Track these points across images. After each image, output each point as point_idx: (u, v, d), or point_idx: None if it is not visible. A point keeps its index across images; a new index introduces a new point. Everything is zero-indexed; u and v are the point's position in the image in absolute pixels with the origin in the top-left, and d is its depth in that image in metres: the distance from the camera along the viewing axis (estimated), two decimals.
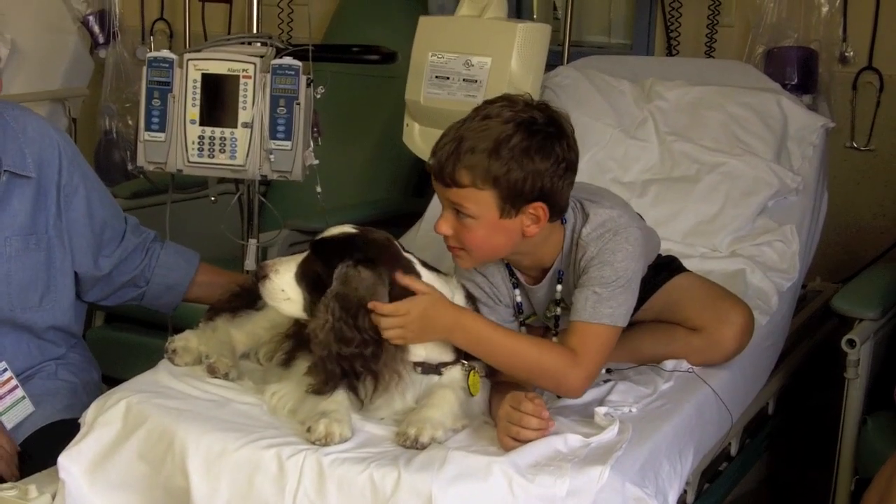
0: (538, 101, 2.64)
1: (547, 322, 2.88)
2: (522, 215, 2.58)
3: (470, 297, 2.71)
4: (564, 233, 2.72)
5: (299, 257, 2.56)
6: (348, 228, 2.57)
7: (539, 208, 2.59)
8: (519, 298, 2.81)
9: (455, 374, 2.60)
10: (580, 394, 2.62)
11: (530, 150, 2.53)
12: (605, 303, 2.62)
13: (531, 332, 2.86)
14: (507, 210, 2.56)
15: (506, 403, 2.47)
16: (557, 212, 2.64)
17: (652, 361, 2.93)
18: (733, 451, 3.30)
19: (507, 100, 2.62)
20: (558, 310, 2.82)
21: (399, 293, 2.52)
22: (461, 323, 2.57)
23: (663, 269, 3.00)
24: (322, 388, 2.49)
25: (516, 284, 2.80)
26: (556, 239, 2.72)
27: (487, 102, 2.64)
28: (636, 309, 2.75)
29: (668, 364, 2.91)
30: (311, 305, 2.54)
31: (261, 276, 2.57)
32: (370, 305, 2.48)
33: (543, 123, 2.57)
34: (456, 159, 2.54)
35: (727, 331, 2.97)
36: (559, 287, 2.78)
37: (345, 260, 2.49)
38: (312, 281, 2.53)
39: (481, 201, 2.55)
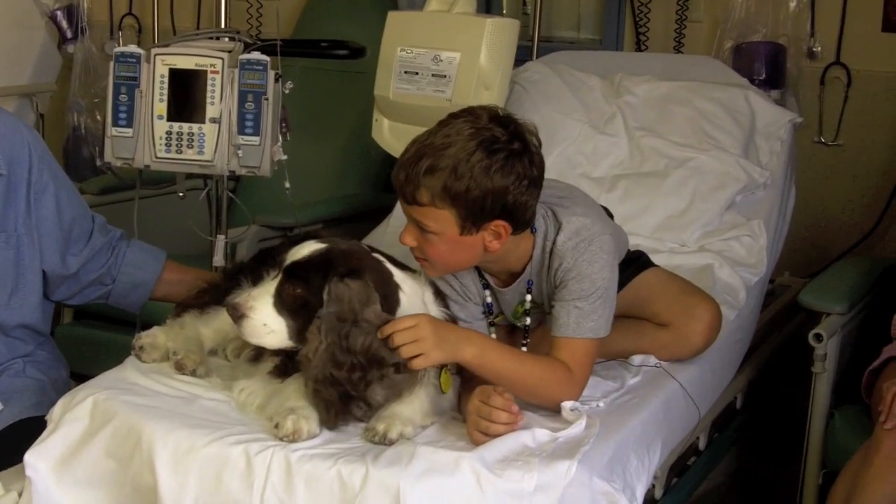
0: (504, 115, 2.62)
1: (514, 323, 2.88)
2: (484, 232, 2.59)
3: (438, 294, 2.71)
4: (535, 241, 2.73)
5: (270, 286, 2.50)
6: (315, 244, 2.53)
7: (500, 226, 2.59)
8: (489, 299, 2.82)
9: (427, 371, 2.59)
10: None
11: (490, 168, 2.52)
12: (587, 317, 2.63)
13: (498, 331, 2.86)
14: (468, 228, 2.56)
15: (475, 398, 2.47)
16: (522, 225, 2.64)
17: (620, 356, 2.94)
18: (702, 445, 3.31)
19: (470, 114, 2.60)
20: (528, 319, 2.83)
21: (382, 294, 2.51)
22: (468, 336, 2.58)
23: (631, 264, 3.01)
24: (330, 419, 2.46)
25: (486, 286, 2.81)
26: (525, 247, 2.73)
27: (451, 116, 2.62)
28: None
29: (636, 359, 2.93)
30: (296, 332, 2.49)
31: (237, 315, 2.50)
32: (378, 334, 2.45)
33: (506, 140, 2.55)
34: (416, 178, 2.53)
35: (695, 326, 2.98)
36: (528, 297, 2.79)
37: (328, 277, 2.46)
38: (296, 306, 2.48)
39: (441, 219, 2.55)
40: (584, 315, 2.63)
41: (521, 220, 2.61)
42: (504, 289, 2.80)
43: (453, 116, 2.62)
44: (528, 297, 2.79)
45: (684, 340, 2.98)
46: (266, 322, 2.49)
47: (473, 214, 2.54)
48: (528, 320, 2.83)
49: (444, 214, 2.54)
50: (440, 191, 2.52)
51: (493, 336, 2.82)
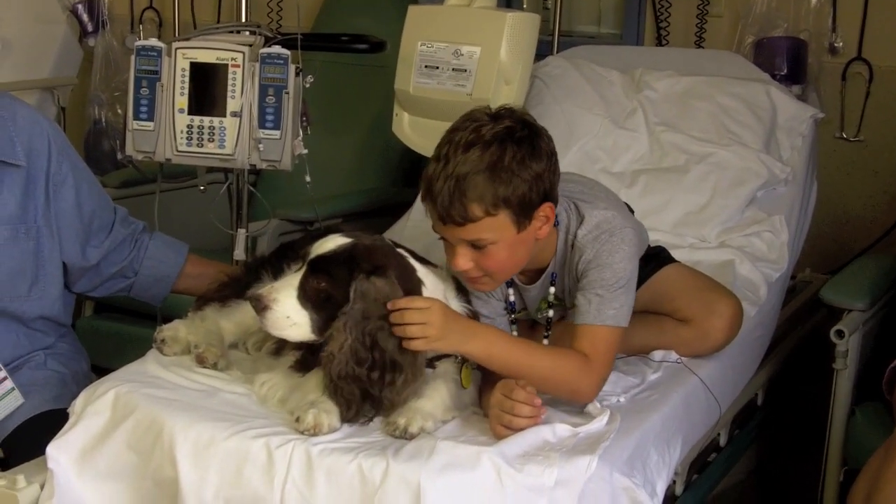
0: (497, 109, 2.61)
1: (536, 318, 2.88)
2: (535, 221, 2.58)
3: (461, 290, 2.70)
4: (558, 235, 2.73)
5: (294, 279, 2.50)
6: (341, 239, 2.52)
7: (547, 208, 2.59)
8: (512, 297, 2.82)
9: (448, 366, 2.60)
10: (593, 399, 2.61)
11: (524, 159, 2.52)
12: (607, 304, 2.63)
13: (520, 326, 2.86)
14: (522, 223, 2.56)
15: (497, 391, 2.46)
16: (555, 200, 2.64)
17: (641, 352, 2.93)
18: (722, 441, 3.30)
19: (471, 120, 2.58)
20: (550, 312, 2.83)
21: (406, 291, 2.50)
22: (477, 329, 2.56)
23: (651, 260, 3.00)
24: (350, 416, 2.46)
25: (510, 283, 2.81)
26: (550, 241, 2.72)
27: (454, 130, 2.59)
28: None
29: (657, 354, 2.92)
30: (319, 325, 2.49)
31: (260, 307, 2.50)
32: (388, 305, 2.45)
33: (520, 127, 2.56)
34: (462, 197, 2.50)
35: (716, 322, 2.97)
36: (552, 290, 2.79)
37: (353, 272, 2.45)
38: (320, 300, 2.47)
39: (497, 226, 2.53)
40: (604, 302, 2.62)
41: (555, 197, 2.62)
42: (529, 286, 2.80)
43: (456, 129, 2.59)
44: (552, 290, 2.78)
45: (705, 336, 2.98)
46: (289, 314, 2.49)
47: (524, 208, 2.54)
48: (551, 312, 2.83)
49: (499, 220, 2.53)
50: (490, 199, 2.50)
51: (515, 332, 2.82)
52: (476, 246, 2.56)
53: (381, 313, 2.44)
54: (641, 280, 2.90)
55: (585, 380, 2.59)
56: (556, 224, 2.70)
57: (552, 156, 2.59)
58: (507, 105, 2.65)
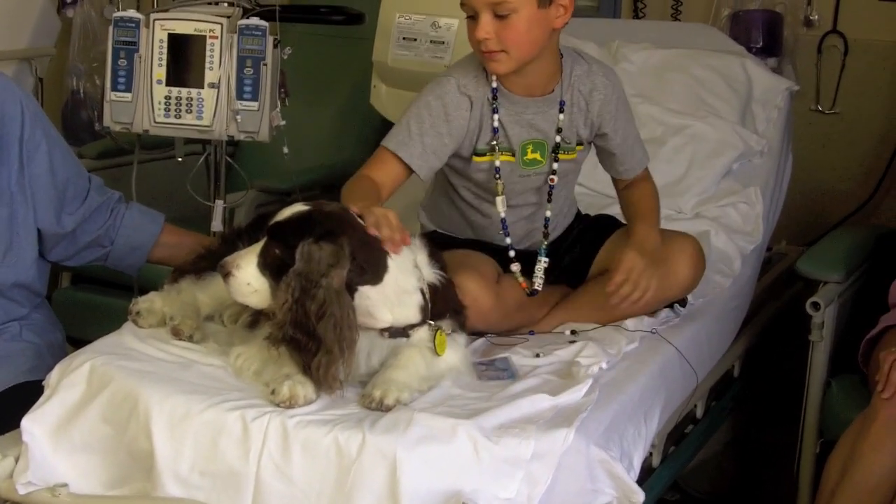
0: None
1: (520, 171, 2.96)
2: (553, 7, 2.78)
3: (433, 256, 2.67)
4: (563, 69, 2.92)
5: (257, 247, 2.50)
6: (300, 206, 2.51)
7: None
8: (496, 124, 2.90)
9: (422, 334, 2.59)
10: None
11: None
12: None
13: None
14: (543, 1, 2.74)
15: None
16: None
17: (614, 320, 2.93)
18: (699, 413, 3.32)
19: None
20: (555, 165, 2.96)
21: (365, 260, 2.49)
22: (644, 232, 2.94)
23: (603, 220, 3.16)
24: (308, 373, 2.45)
25: (496, 110, 2.89)
26: (555, 61, 2.91)
27: None
28: (587, 264, 3.02)
29: (629, 324, 2.92)
30: (277, 293, 2.48)
31: (224, 273, 2.51)
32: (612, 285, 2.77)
33: None
34: None
35: (678, 259, 3.01)
36: (561, 116, 2.92)
37: (304, 238, 2.43)
38: (276, 267, 2.46)
39: None
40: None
41: None
42: (528, 98, 2.92)
43: None
44: (561, 117, 2.92)
45: (672, 276, 2.99)
46: (249, 281, 2.48)
47: None
48: (555, 179, 2.98)
49: None
50: None
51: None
52: (498, 15, 2.73)
53: (319, 276, 2.41)
54: (599, 243, 2.95)
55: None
56: (561, 56, 2.93)
57: None
58: None
